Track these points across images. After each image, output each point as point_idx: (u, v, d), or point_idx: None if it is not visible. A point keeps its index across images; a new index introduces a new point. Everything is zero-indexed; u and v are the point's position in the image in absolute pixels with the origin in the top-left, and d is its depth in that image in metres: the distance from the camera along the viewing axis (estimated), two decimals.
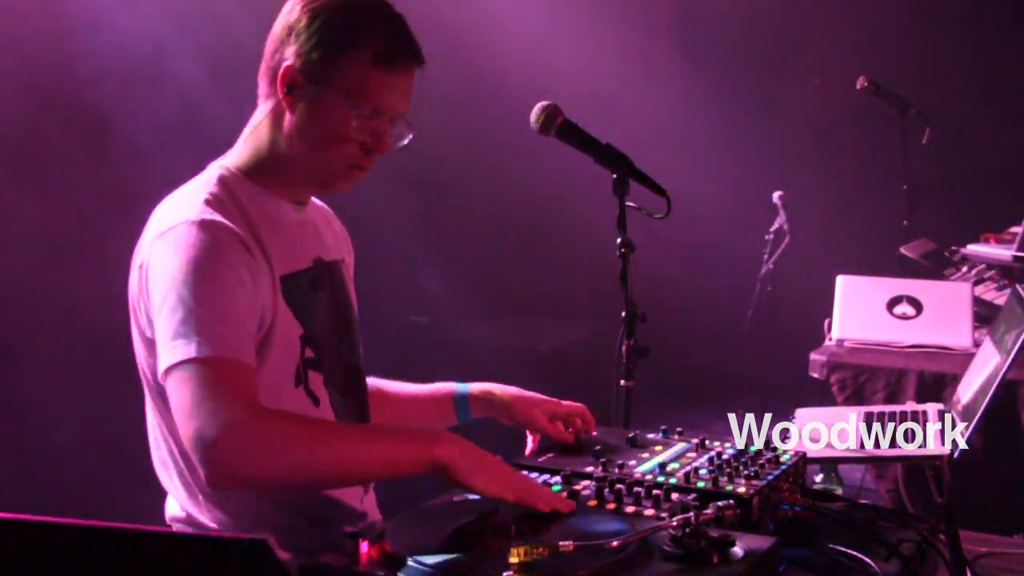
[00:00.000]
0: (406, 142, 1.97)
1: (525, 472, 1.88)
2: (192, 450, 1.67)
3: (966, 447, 2.35)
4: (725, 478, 1.82)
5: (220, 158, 1.98)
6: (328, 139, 1.88)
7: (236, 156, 1.96)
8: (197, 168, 1.98)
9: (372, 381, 2.21)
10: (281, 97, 1.89)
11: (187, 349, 1.70)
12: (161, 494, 2.00)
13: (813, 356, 3.67)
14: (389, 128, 1.92)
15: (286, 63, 1.88)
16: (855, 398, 3.54)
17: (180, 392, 1.70)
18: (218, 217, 1.82)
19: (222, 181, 1.91)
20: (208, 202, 1.85)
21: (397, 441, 1.77)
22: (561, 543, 1.47)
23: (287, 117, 1.90)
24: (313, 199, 2.11)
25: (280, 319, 1.88)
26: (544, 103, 2.30)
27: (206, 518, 1.91)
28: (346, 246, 2.20)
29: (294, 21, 1.89)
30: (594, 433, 2.14)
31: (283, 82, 1.88)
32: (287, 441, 1.68)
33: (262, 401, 1.75)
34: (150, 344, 1.84)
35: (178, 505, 1.94)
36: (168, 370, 1.71)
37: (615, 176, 2.28)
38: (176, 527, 1.96)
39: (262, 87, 1.94)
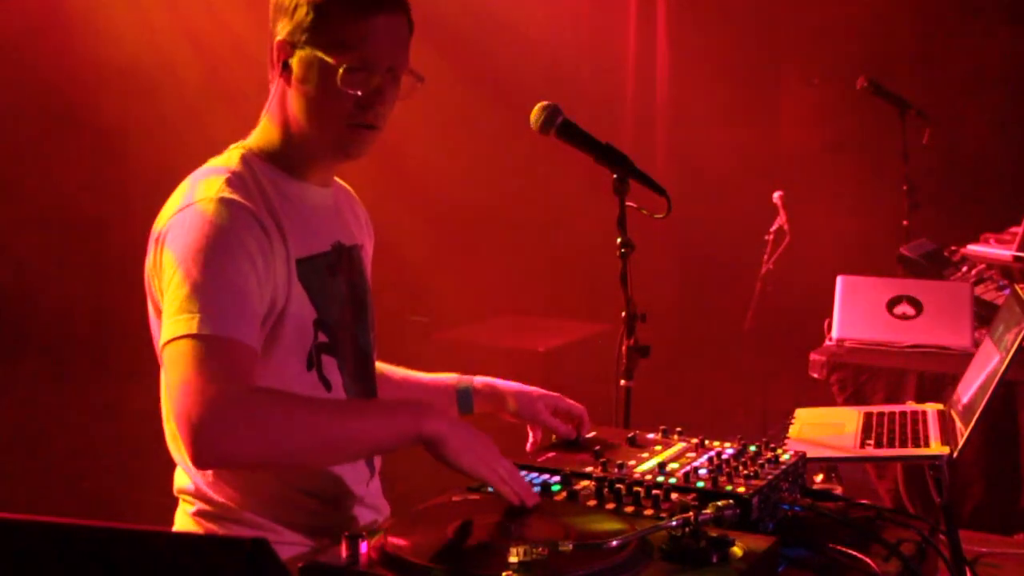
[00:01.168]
0: (413, 93, 1.96)
1: (523, 472, 1.89)
2: (178, 428, 1.67)
3: (966, 447, 2.35)
4: (724, 478, 1.82)
5: (240, 140, 1.99)
6: (322, 100, 1.88)
7: (255, 139, 1.98)
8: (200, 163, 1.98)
9: (376, 365, 2.21)
10: (280, 74, 1.91)
11: (188, 324, 1.70)
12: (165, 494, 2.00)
13: (813, 356, 3.67)
14: (389, 81, 1.91)
15: (277, 39, 1.90)
16: (855, 398, 3.54)
17: (173, 367, 1.70)
18: (237, 197, 1.83)
19: (244, 161, 1.92)
20: (229, 181, 1.85)
21: (385, 416, 1.78)
22: (561, 543, 1.47)
23: (288, 93, 1.91)
24: (339, 182, 2.12)
25: (294, 302, 1.88)
26: (544, 103, 2.30)
27: (214, 492, 1.92)
28: (368, 232, 2.20)
29: (277, 1, 1.91)
30: (592, 433, 2.14)
31: (278, 58, 1.90)
32: (272, 419, 1.68)
33: (269, 383, 1.76)
34: (160, 316, 1.84)
35: (187, 477, 1.95)
36: (166, 344, 1.72)
37: (615, 176, 2.28)
38: (184, 499, 1.97)
39: (269, 73, 1.96)
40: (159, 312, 1.86)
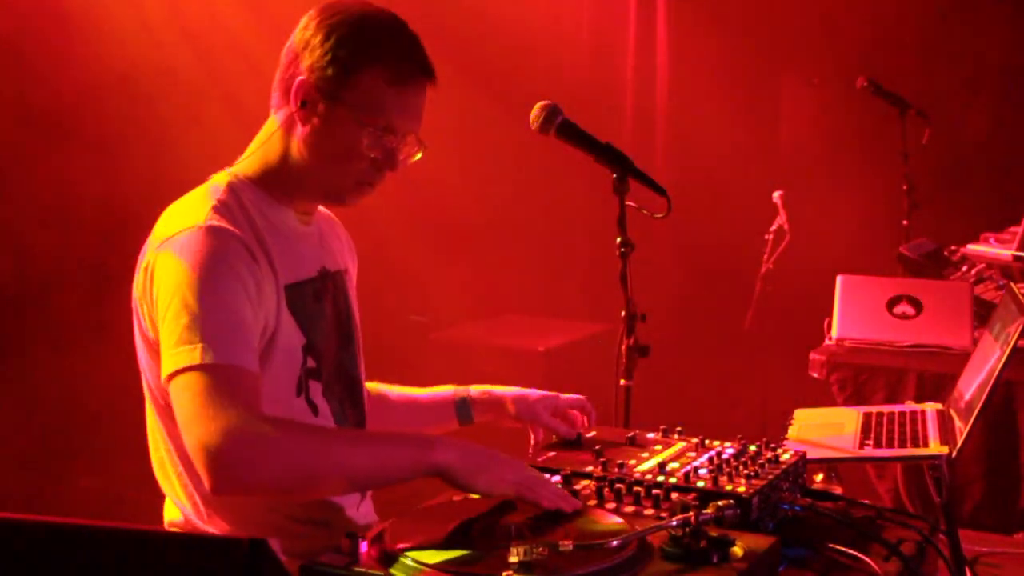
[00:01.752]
0: (416, 159, 1.98)
1: None
2: (195, 458, 1.68)
3: (965, 445, 2.36)
4: (725, 478, 1.82)
5: (229, 167, 1.98)
6: (340, 155, 1.89)
7: (246, 165, 1.97)
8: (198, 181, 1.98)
9: (373, 386, 2.22)
10: (295, 110, 1.90)
11: (191, 355, 1.71)
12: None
13: (813, 356, 3.67)
14: (400, 144, 1.93)
15: (300, 77, 1.89)
16: (855, 398, 3.54)
17: (183, 399, 1.70)
18: (225, 224, 1.83)
19: (231, 188, 1.92)
20: (216, 208, 1.85)
21: (396, 448, 1.78)
22: (561, 543, 1.47)
23: (299, 130, 1.91)
24: (321, 208, 2.12)
25: (283, 328, 1.88)
26: (544, 102, 2.30)
27: (204, 522, 1.92)
28: (351, 255, 2.20)
29: (310, 36, 1.90)
30: (592, 433, 2.14)
31: (297, 96, 1.89)
32: (288, 449, 1.69)
33: (263, 409, 1.76)
34: (151, 347, 1.85)
35: (177, 510, 1.95)
36: (171, 376, 1.72)
37: (615, 175, 2.28)
38: (173, 531, 1.96)
39: (275, 98, 1.95)
40: (146, 339, 1.87)
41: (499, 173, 5.75)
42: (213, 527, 1.91)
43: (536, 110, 2.30)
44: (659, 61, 6.31)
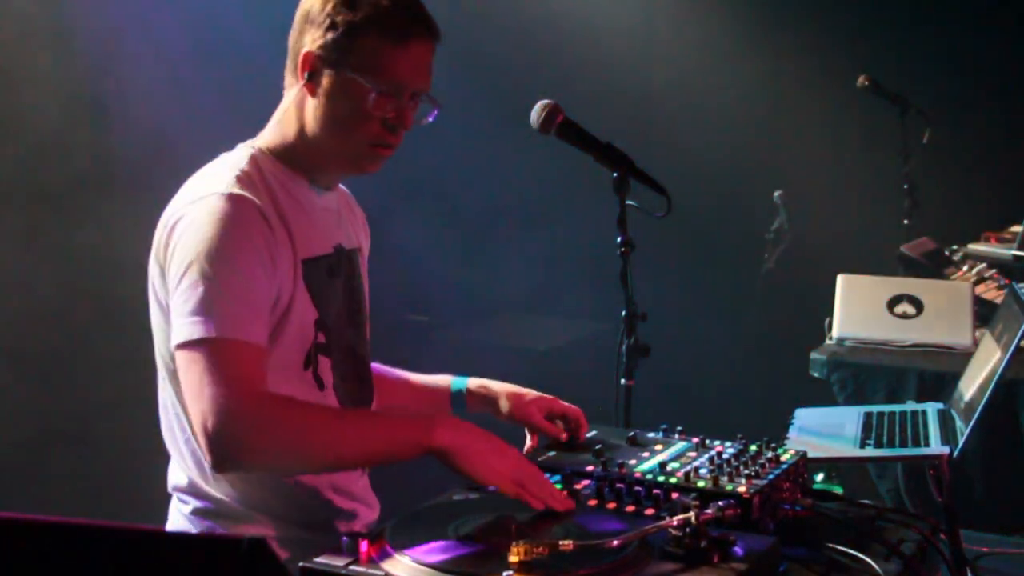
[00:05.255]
0: (431, 118, 1.99)
1: None
2: (197, 434, 1.72)
3: (966, 446, 2.36)
4: (725, 477, 1.82)
5: (250, 140, 2.00)
6: (349, 119, 1.91)
7: (265, 140, 1.99)
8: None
9: (372, 365, 2.22)
10: (303, 84, 1.91)
11: (204, 327, 1.73)
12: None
13: (813, 356, 3.67)
14: (411, 105, 1.94)
15: (304, 50, 1.91)
16: (855, 398, 3.54)
17: (189, 372, 1.73)
18: (248, 193, 1.85)
19: (253, 160, 1.94)
20: (239, 178, 1.88)
21: (395, 427, 1.80)
22: (561, 542, 1.47)
23: (309, 103, 1.93)
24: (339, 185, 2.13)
25: (297, 302, 1.90)
26: (544, 102, 2.30)
27: (209, 487, 1.93)
28: (364, 233, 2.22)
29: (309, 7, 1.93)
30: (592, 433, 2.14)
31: (303, 69, 1.91)
32: (287, 428, 1.71)
33: (271, 383, 1.78)
34: (162, 309, 1.87)
35: (182, 473, 1.96)
36: (180, 346, 1.75)
37: (615, 175, 2.27)
38: (178, 497, 1.99)
39: (287, 76, 1.97)
40: (157, 299, 1.89)
41: (499, 172, 5.75)
42: (218, 492, 1.93)
43: (537, 110, 2.30)
44: (660, 60, 6.31)
